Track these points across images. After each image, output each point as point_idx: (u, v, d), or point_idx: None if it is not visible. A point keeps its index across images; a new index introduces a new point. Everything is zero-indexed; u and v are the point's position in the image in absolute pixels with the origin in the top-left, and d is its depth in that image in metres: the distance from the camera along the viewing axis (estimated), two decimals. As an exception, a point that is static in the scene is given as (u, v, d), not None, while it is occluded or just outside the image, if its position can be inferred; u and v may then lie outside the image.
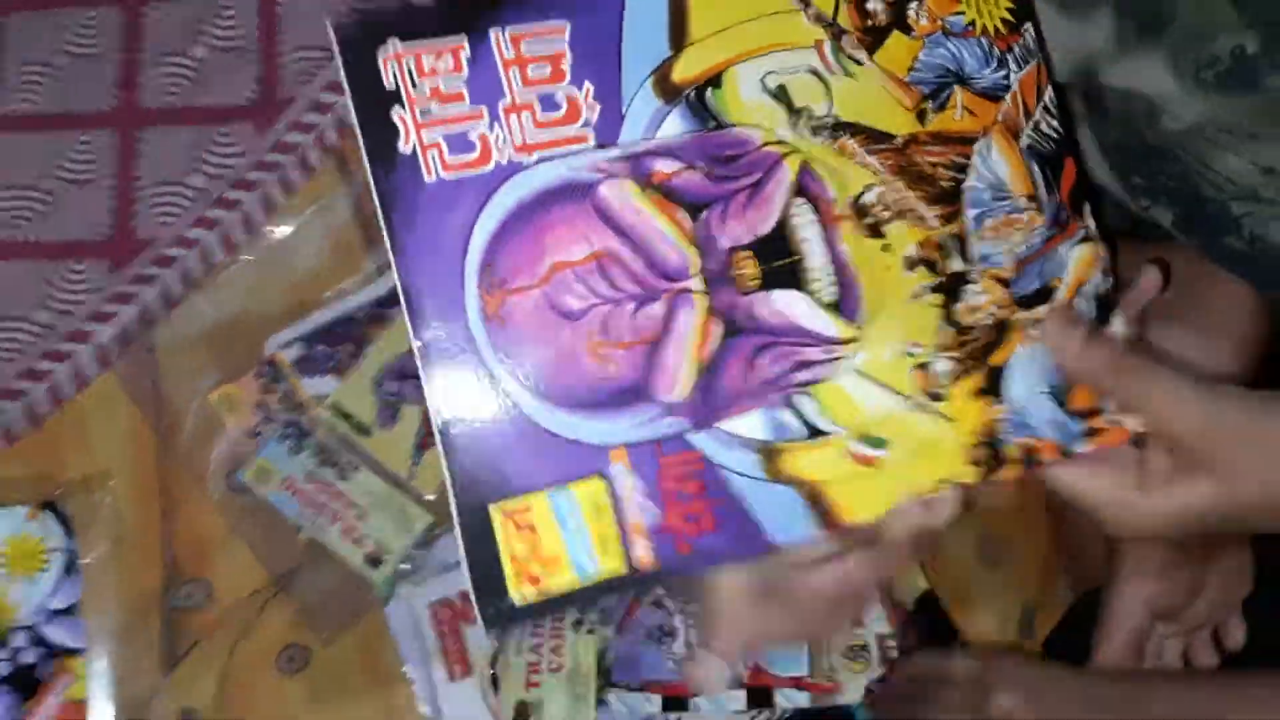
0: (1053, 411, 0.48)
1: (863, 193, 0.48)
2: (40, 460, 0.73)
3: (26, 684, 0.68)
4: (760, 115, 0.48)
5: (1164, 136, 0.57)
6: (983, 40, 0.51)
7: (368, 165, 0.44)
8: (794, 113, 0.48)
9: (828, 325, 0.47)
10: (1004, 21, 0.51)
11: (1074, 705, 0.60)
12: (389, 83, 0.44)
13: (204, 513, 0.72)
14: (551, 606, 0.44)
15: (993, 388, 0.48)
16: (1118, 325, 0.49)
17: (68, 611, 0.69)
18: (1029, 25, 0.51)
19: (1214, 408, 0.44)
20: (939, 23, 0.51)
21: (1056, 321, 0.47)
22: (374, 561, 0.69)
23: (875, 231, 0.48)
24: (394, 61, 0.44)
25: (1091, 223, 0.50)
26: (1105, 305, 0.49)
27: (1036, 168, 0.50)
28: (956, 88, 0.50)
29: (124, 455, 0.73)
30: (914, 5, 0.50)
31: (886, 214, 0.48)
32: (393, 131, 0.44)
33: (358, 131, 0.44)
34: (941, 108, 0.50)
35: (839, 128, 0.49)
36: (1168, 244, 0.62)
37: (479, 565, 0.43)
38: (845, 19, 0.50)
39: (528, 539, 0.44)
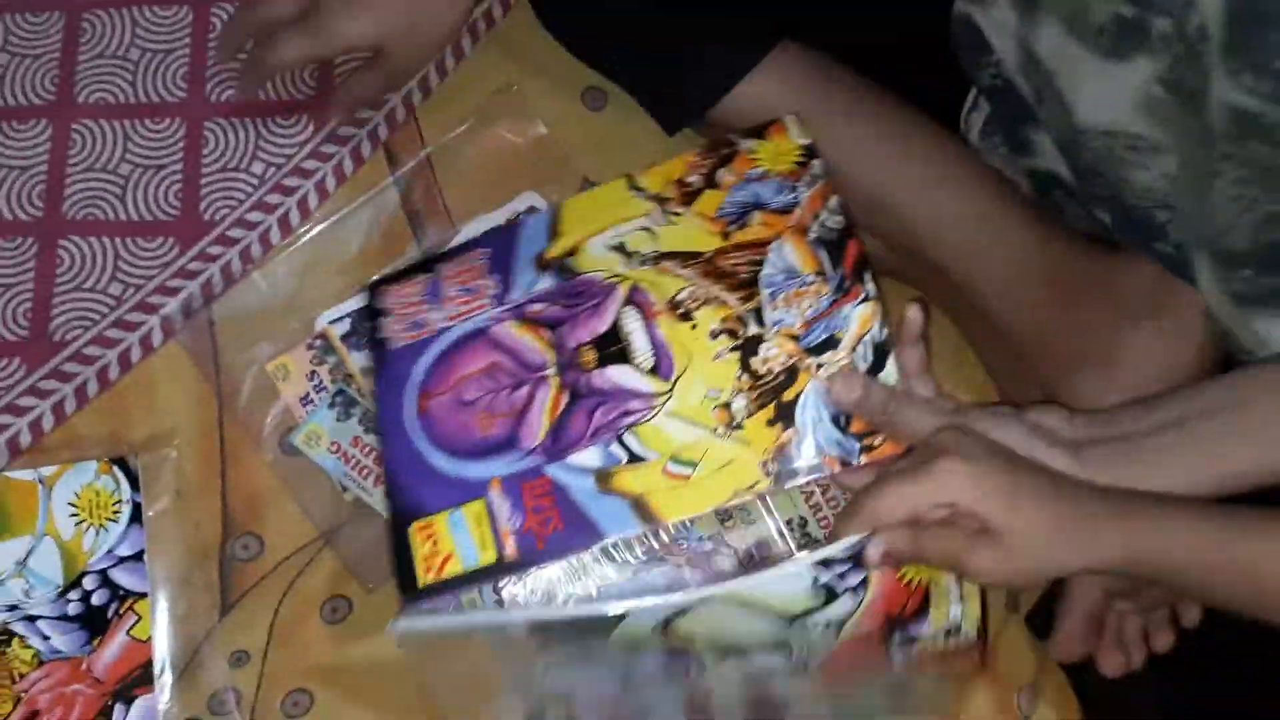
0: (835, 434, 0.61)
1: (677, 294, 0.66)
2: (111, 420, 0.79)
3: (97, 623, 0.74)
4: (604, 263, 0.69)
5: (1089, 151, 0.62)
6: (776, 179, 0.67)
7: (370, 345, 0.72)
8: (628, 256, 0.68)
9: (647, 385, 0.64)
10: (794, 164, 0.68)
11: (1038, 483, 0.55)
12: (379, 306, 0.73)
13: (258, 472, 0.78)
14: (448, 586, 0.63)
15: (785, 417, 0.61)
16: (889, 372, 0.60)
17: (134, 558, 0.75)
18: (815, 160, 0.67)
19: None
20: (741, 176, 0.67)
21: (839, 381, 0.60)
22: (412, 522, 0.75)
23: (686, 317, 0.65)
24: (383, 297, 0.73)
25: (871, 287, 0.62)
26: (881, 351, 0.62)
27: (823, 252, 0.64)
28: (755, 212, 0.67)
29: (187, 417, 0.79)
30: (721, 170, 0.68)
31: (695, 304, 0.65)
32: (378, 329, 0.72)
33: (366, 328, 0.74)
34: (743, 227, 0.67)
35: (661, 257, 0.68)
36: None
37: (400, 564, 0.64)
38: (670, 192, 0.69)
39: (432, 544, 0.63)
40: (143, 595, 0.74)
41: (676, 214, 0.68)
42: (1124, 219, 0.64)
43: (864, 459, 0.60)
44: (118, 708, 0.72)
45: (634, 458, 0.63)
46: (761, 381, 0.62)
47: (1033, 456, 0.56)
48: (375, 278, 0.77)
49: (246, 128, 0.86)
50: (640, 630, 0.60)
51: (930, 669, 0.63)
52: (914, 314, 0.62)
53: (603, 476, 0.63)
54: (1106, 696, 0.70)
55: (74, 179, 0.86)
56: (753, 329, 0.64)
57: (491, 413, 0.66)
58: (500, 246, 0.72)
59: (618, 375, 0.65)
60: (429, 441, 0.66)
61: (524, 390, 0.66)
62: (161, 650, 0.73)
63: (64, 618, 0.74)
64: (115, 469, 0.76)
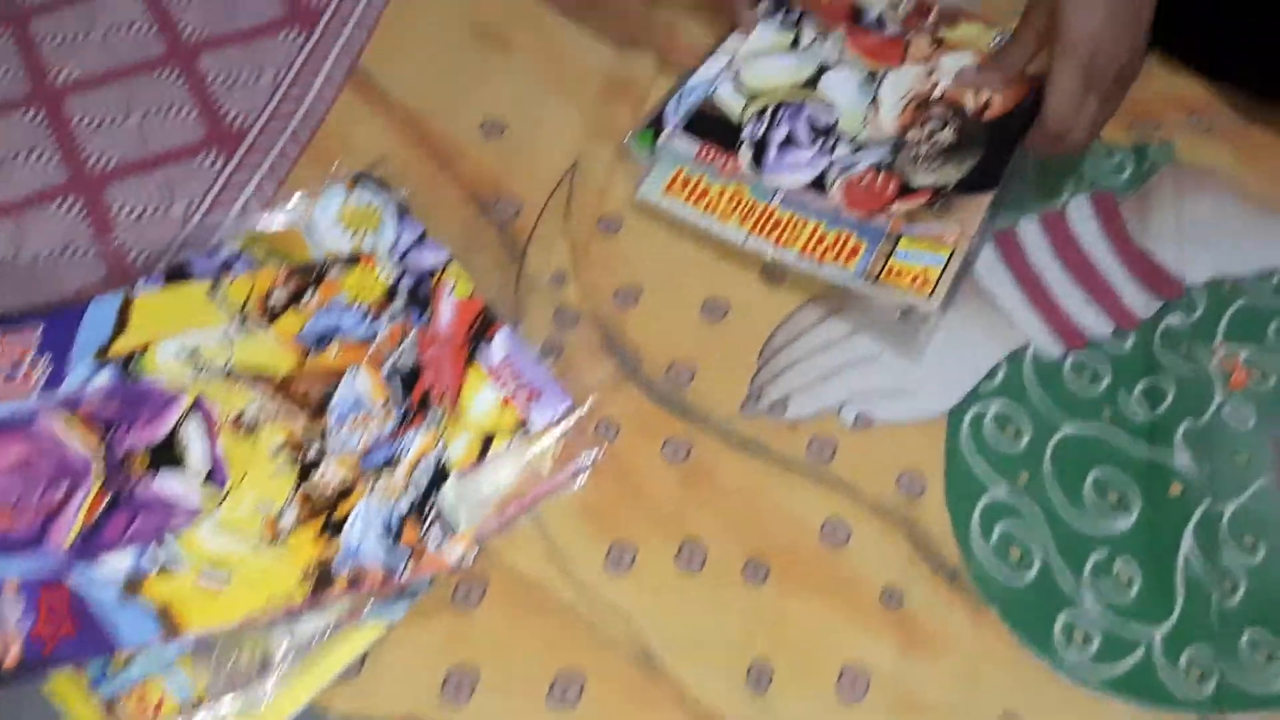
0: (383, 548, 0.65)
1: (244, 410, 0.67)
2: (322, 170, 0.81)
3: (420, 298, 0.74)
4: (173, 370, 0.68)
5: None
6: (361, 308, 0.72)
7: None
8: (199, 366, 0.68)
9: (195, 494, 0.65)
10: (380, 296, 0.73)
11: None
12: None
13: (483, 158, 0.83)
14: None
15: (334, 530, 0.65)
16: (449, 486, 0.67)
17: (419, 240, 0.77)
18: (398, 299, 0.73)
19: None
20: (326, 302, 0.72)
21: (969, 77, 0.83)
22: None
23: (250, 431, 0.67)
24: None
25: (436, 413, 0.69)
26: (441, 471, 0.67)
27: (396, 382, 0.70)
28: (336, 340, 0.71)
29: (390, 144, 0.83)
30: (308, 293, 0.72)
31: (261, 420, 0.67)
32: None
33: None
34: (321, 352, 0.70)
35: (232, 373, 0.69)
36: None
37: None
38: (253, 306, 0.71)
39: None
40: (447, 263, 0.76)
41: (257, 328, 0.71)
42: None
43: (411, 568, 0.65)
44: (480, 347, 0.72)
45: (166, 566, 0.63)
46: (315, 498, 0.66)
47: None
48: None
49: (237, 53, 0.88)
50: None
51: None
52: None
53: (131, 584, 0.62)
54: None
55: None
56: (314, 451, 0.67)
57: (20, 508, 0.63)
58: (58, 328, 0.69)
59: (166, 483, 0.65)
60: None
61: (60, 490, 0.64)
62: (488, 299, 0.75)
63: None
64: (359, 184, 0.78)
